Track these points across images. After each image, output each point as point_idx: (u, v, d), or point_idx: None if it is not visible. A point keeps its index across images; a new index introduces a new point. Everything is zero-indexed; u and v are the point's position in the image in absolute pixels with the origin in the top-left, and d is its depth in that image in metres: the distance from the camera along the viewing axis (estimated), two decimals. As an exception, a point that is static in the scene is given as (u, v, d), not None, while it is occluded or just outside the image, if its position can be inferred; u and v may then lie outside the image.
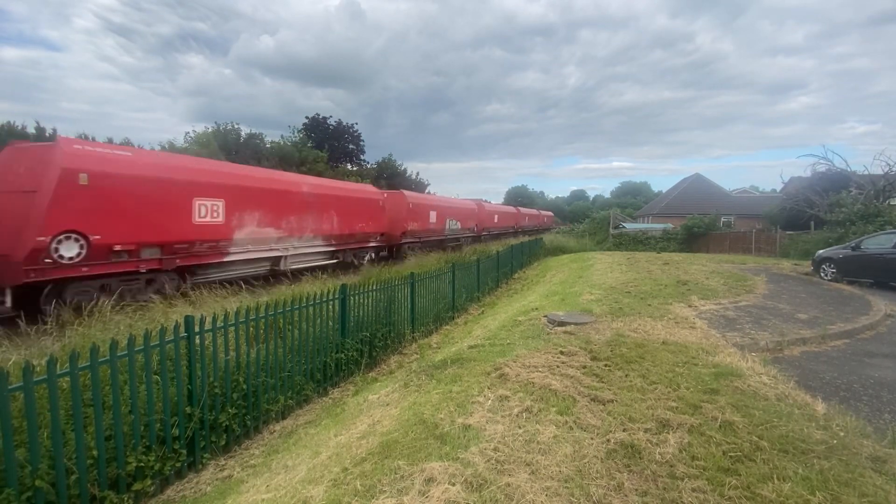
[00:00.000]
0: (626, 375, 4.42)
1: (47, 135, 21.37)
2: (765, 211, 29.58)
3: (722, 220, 32.02)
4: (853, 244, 12.36)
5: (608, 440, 3.10)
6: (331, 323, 6.37)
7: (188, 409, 4.11)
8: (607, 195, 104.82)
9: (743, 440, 3.13)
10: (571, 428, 3.29)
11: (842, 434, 3.34)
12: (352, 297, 6.81)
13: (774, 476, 2.70)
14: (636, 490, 2.58)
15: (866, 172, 23.60)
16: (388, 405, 4.22)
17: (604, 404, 3.73)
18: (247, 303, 7.54)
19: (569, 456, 2.90)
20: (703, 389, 4.05)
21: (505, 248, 18.79)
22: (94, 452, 3.33)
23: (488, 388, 4.03)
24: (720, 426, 3.34)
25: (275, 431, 4.93)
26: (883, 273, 11.47)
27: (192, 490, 3.85)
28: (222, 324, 4.62)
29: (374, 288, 7.49)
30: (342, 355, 6.42)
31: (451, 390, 4.10)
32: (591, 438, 3.14)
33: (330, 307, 6.34)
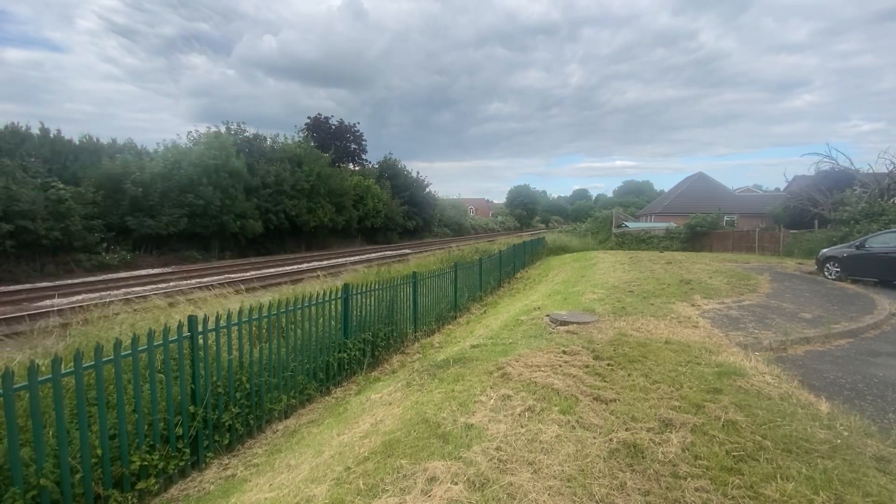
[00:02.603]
0: (629, 375, 4.41)
1: (52, 136, 21.37)
2: (768, 209, 29.46)
3: (725, 218, 31.79)
4: (857, 243, 12.28)
5: (611, 439, 3.10)
6: (333, 322, 6.38)
7: (192, 409, 4.13)
8: (610, 194, 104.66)
9: (746, 440, 3.13)
10: (574, 427, 3.29)
11: (846, 434, 3.32)
12: (354, 297, 6.82)
13: (778, 476, 2.69)
14: (639, 489, 2.58)
15: (870, 171, 23.44)
16: (390, 404, 4.22)
17: (606, 403, 3.73)
18: (249, 302, 7.54)
19: (571, 455, 2.90)
20: (706, 389, 4.04)
21: (507, 248, 18.78)
22: (99, 451, 3.35)
23: (491, 388, 4.03)
24: (723, 425, 3.33)
25: (278, 430, 4.94)
26: (887, 272, 11.39)
27: (196, 489, 3.87)
28: (225, 323, 4.64)
29: (377, 287, 7.50)
30: (345, 355, 6.43)
31: (454, 389, 4.10)
32: (594, 438, 3.14)
33: (332, 307, 6.35)
